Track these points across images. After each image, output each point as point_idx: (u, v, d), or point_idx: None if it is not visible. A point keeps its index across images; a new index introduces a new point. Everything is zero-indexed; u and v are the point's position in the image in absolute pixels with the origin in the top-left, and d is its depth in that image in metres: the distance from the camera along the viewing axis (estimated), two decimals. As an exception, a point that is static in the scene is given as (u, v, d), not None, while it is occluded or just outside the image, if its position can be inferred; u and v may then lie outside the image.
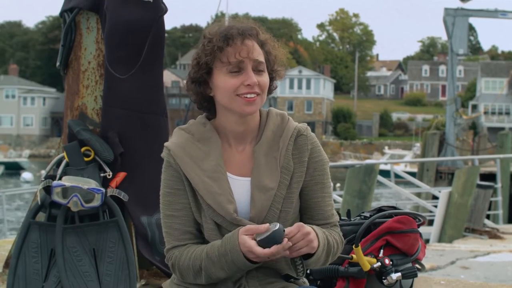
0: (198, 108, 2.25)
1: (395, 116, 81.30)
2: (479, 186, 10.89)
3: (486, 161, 21.28)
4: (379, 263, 2.70)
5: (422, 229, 2.99)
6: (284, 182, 2.16)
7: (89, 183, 3.53)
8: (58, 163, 3.72)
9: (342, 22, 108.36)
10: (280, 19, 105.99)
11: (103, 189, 3.55)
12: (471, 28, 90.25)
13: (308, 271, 2.69)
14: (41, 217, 3.65)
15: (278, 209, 2.15)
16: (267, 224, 2.02)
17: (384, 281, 2.70)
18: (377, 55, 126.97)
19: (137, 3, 3.75)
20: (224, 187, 2.14)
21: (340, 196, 11.40)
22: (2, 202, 12.04)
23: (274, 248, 1.99)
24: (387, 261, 2.71)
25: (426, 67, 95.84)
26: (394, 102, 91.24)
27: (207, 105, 2.22)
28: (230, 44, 2.11)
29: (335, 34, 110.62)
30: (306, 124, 2.27)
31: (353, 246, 2.70)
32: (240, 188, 2.16)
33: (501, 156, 15.58)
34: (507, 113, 69.88)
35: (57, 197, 3.49)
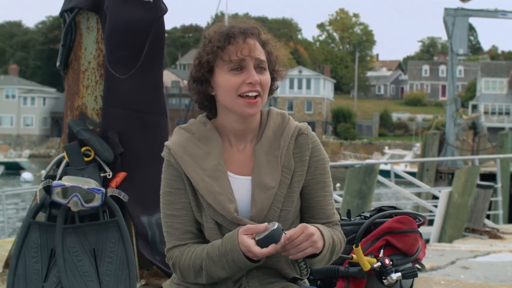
0: (199, 108, 2.25)
1: (395, 116, 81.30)
2: (479, 186, 10.89)
3: (486, 161, 21.29)
4: (379, 263, 2.70)
5: (422, 229, 2.99)
6: (285, 181, 2.16)
7: (89, 183, 3.53)
8: (58, 163, 3.72)
9: (342, 22, 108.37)
10: (280, 19, 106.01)
11: (103, 189, 3.55)
12: (471, 28, 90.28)
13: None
14: (41, 217, 3.65)
15: (279, 208, 2.15)
16: (266, 224, 2.03)
17: (384, 281, 2.70)
18: (377, 55, 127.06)
19: (137, 3, 3.75)
20: (224, 186, 2.14)
21: (340, 196, 11.39)
22: (2, 202, 12.04)
23: (271, 248, 1.99)
24: (387, 261, 2.71)
25: (426, 67, 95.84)
26: (394, 102, 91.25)
27: (208, 104, 2.22)
28: (232, 43, 2.12)
29: (335, 34, 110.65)
30: (307, 123, 2.27)
31: (353, 246, 2.70)
32: (240, 187, 2.16)
33: (501, 156, 15.58)
34: (507, 113, 69.89)
35: (57, 197, 3.49)
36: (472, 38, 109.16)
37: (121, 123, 3.77)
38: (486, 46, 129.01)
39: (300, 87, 75.85)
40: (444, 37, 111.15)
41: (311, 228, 2.05)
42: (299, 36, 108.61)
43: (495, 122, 67.86)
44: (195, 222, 2.18)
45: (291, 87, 75.22)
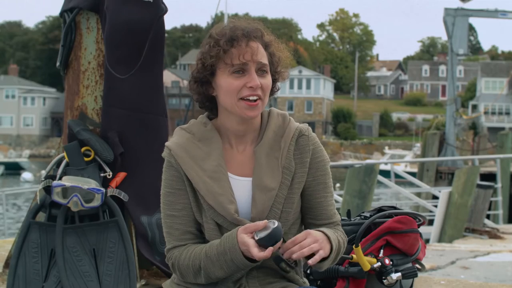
0: (200, 108, 2.25)
1: (395, 116, 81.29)
2: (479, 186, 10.89)
3: (486, 161, 21.31)
4: (379, 263, 2.70)
5: (422, 229, 2.98)
6: (285, 183, 2.16)
7: (89, 183, 3.53)
8: (58, 163, 3.72)
9: (342, 22, 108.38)
10: (280, 19, 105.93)
11: (103, 189, 3.55)
12: (471, 28, 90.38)
13: (308, 271, 2.69)
14: (41, 217, 3.65)
15: (279, 209, 2.15)
16: (265, 221, 2.02)
17: (384, 281, 2.70)
18: (377, 55, 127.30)
19: (137, 3, 3.75)
20: (225, 187, 2.14)
21: (340, 196, 11.39)
22: (2, 202, 12.04)
23: (268, 252, 1.98)
24: (387, 261, 2.71)
25: (426, 67, 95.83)
26: (394, 102, 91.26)
27: (209, 104, 2.23)
28: (235, 46, 2.12)
29: (335, 34, 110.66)
30: (307, 124, 2.27)
31: (353, 246, 2.70)
32: (241, 188, 2.16)
33: (501, 156, 15.60)
34: (507, 113, 69.88)
35: (57, 197, 3.49)
36: (472, 38, 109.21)
37: (121, 123, 3.77)
38: (486, 46, 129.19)
39: (300, 87, 75.85)
40: (444, 37, 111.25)
41: (315, 233, 2.05)
42: (299, 36, 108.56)
43: (495, 122, 67.85)
44: (195, 222, 2.18)
45: (291, 87, 75.22)
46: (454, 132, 26.11)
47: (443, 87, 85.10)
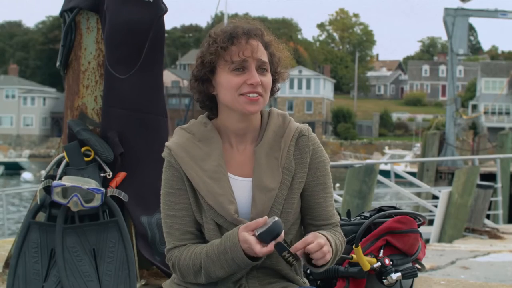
0: (200, 107, 2.25)
1: (395, 116, 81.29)
2: (479, 186, 10.88)
3: (486, 161, 21.31)
4: (379, 263, 2.70)
5: (422, 229, 2.98)
6: (285, 183, 2.16)
7: (89, 183, 3.53)
8: (58, 163, 3.72)
9: (342, 22, 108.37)
10: (280, 19, 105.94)
11: (103, 189, 3.55)
12: (471, 28, 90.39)
13: (308, 271, 2.69)
14: (41, 217, 3.65)
15: (279, 209, 2.14)
16: (266, 217, 2.02)
17: (384, 281, 2.70)
18: (377, 55, 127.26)
19: (137, 3, 3.75)
20: (225, 188, 2.13)
21: (340, 196, 11.38)
22: (2, 202, 12.04)
23: (270, 246, 1.98)
24: (387, 261, 2.71)
25: (426, 67, 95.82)
26: (394, 102, 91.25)
27: (210, 104, 2.22)
28: (235, 43, 2.12)
29: (335, 34, 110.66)
30: (307, 124, 2.27)
31: (353, 246, 2.70)
32: (241, 188, 2.16)
33: (501, 156, 15.60)
34: (507, 113, 69.87)
35: (57, 197, 3.49)
36: (472, 38, 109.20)
37: (121, 123, 3.77)
38: (486, 46, 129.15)
39: (300, 87, 75.84)
40: (444, 37, 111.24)
41: (322, 238, 2.04)
42: (299, 36, 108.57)
43: (495, 122, 67.84)
44: (195, 222, 2.18)
45: (291, 87, 75.20)
46: (454, 132, 26.12)
47: (443, 87, 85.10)
